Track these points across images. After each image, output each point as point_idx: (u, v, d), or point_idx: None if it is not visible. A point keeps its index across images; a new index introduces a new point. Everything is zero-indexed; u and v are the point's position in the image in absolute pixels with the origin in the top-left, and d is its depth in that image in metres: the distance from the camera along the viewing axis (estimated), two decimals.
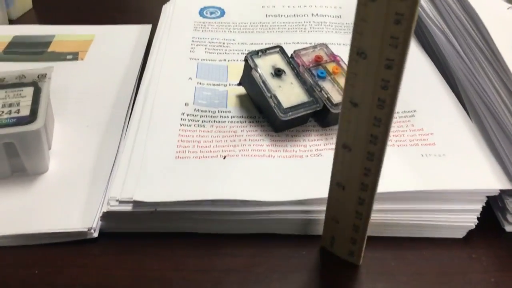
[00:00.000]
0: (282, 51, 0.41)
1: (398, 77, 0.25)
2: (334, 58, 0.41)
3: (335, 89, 0.39)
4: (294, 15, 0.55)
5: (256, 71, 0.39)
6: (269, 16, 0.55)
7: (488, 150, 0.37)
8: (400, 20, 0.23)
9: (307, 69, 0.40)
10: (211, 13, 0.55)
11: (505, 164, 0.35)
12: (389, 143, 0.38)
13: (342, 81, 0.40)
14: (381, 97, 0.25)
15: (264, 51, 0.41)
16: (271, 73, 0.40)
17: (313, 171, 0.36)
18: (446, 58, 0.46)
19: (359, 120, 0.27)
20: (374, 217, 0.34)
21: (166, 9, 0.56)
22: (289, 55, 0.41)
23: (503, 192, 0.35)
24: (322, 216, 0.33)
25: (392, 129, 0.40)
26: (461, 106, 0.42)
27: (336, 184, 0.30)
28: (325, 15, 0.55)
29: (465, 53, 0.42)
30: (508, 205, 0.35)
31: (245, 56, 0.40)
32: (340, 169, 0.29)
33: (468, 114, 0.41)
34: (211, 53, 0.48)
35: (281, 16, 0.55)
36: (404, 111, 0.42)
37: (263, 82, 0.39)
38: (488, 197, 0.35)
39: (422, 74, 0.46)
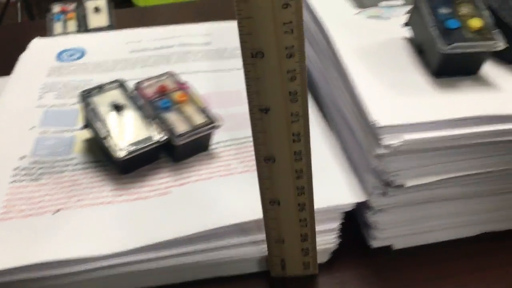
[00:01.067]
0: (122, 85, 0.38)
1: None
2: (181, 86, 0.38)
3: (181, 119, 0.36)
4: (160, 47, 0.52)
5: (92, 110, 0.36)
6: (133, 51, 0.52)
7: (347, 165, 0.34)
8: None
9: (150, 101, 0.37)
10: (70, 55, 0.51)
11: (361, 177, 0.33)
12: (243, 169, 0.35)
13: (189, 109, 0.37)
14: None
15: (101, 88, 0.37)
16: (109, 110, 0.36)
17: (158, 212, 0.32)
18: (310, 70, 0.44)
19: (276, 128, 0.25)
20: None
21: (22, 58, 0.52)
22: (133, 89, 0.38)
23: (363, 206, 0.32)
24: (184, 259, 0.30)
25: (249, 153, 0.37)
26: (323, 122, 0.39)
27: (270, 203, 0.28)
28: (192, 44, 0.52)
29: (321, 64, 0.40)
30: (367, 219, 0.32)
31: (80, 95, 0.36)
32: (270, 186, 0.27)
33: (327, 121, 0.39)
34: (62, 98, 0.44)
35: (147, 50, 0.52)
36: None
37: (100, 121, 0.35)
38: (353, 214, 0.32)
39: None
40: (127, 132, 0.35)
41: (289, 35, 0.22)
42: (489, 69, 0.33)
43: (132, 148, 0.34)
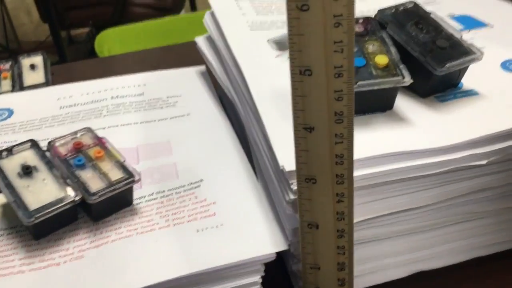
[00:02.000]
0: (34, 145, 0.36)
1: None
2: (99, 142, 0.37)
3: (96, 175, 0.35)
4: (92, 101, 0.51)
5: (0, 174, 0.34)
6: (63, 107, 0.50)
7: (270, 212, 0.33)
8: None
9: (63, 160, 0.35)
10: None
11: (283, 225, 0.31)
12: (165, 223, 0.34)
13: (105, 165, 0.35)
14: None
15: (10, 150, 0.35)
16: (19, 173, 0.34)
17: (69, 279, 0.30)
18: (239, 115, 0.43)
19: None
20: None
21: None
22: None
23: (288, 255, 0.31)
24: None
25: (173, 205, 0.35)
26: (251, 169, 0.38)
27: (308, 225, 0.27)
28: (125, 96, 0.51)
29: (242, 108, 0.39)
30: (293, 267, 0.31)
31: None
32: (309, 208, 0.26)
33: (257, 175, 0.37)
34: None
35: (77, 105, 0.50)
36: (191, 183, 0.37)
37: (6, 185, 0.33)
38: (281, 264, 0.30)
39: (216, 142, 0.42)
40: (39, 193, 0.33)
41: (338, 55, 0.22)
42: (403, 103, 0.33)
43: (43, 211, 0.32)
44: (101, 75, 0.55)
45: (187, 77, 0.54)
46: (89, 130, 0.38)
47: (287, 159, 0.28)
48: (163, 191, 0.37)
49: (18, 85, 0.59)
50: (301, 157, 0.25)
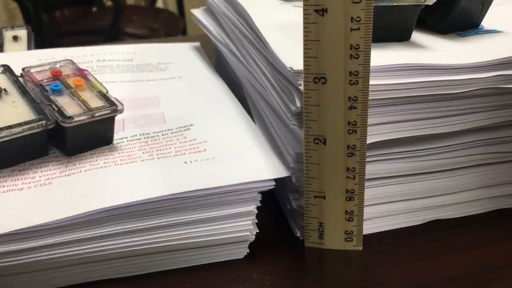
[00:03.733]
0: (8, 70, 0.32)
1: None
2: (80, 73, 0.33)
3: (74, 102, 0.31)
4: (77, 63, 0.47)
5: None
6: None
7: (269, 148, 0.29)
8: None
9: (39, 85, 0.31)
10: None
11: (284, 156, 0.27)
12: (148, 157, 0.30)
13: (85, 94, 0.31)
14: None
15: None
16: None
17: (32, 202, 0.26)
18: (235, 72, 0.40)
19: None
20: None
21: None
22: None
23: (288, 190, 0.27)
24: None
25: (158, 144, 0.31)
26: (246, 113, 0.34)
27: (314, 140, 0.24)
28: (112, 60, 0.48)
29: (241, 54, 0.36)
30: (294, 203, 0.27)
31: None
32: (317, 116, 0.24)
33: (253, 119, 0.34)
34: None
35: None
36: (179, 127, 0.33)
37: None
38: (279, 205, 0.26)
39: (209, 96, 0.39)
40: (7, 115, 0.29)
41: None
42: (421, 37, 0.30)
43: (7, 131, 0.28)
44: None
45: (180, 49, 0.51)
46: (70, 62, 0.34)
47: (294, 62, 0.25)
48: (148, 133, 0.33)
49: None
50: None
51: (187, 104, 0.37)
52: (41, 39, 1.72)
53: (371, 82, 0.23)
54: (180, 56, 0.49)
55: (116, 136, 0.32)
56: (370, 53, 0.21)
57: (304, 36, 0.21)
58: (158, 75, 0.44)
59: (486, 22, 0.31)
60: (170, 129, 0.33)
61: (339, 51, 0.21)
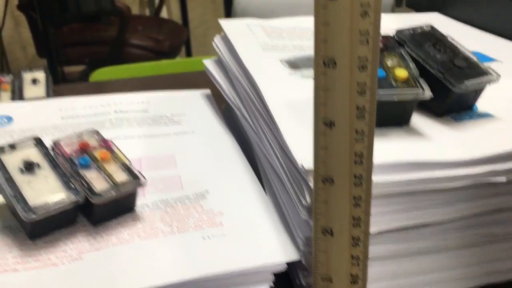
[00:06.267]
0: (39, 143, 0.35)
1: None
2: (105, 144, 0.36)
3: (101, 176, 0.33)
4: (95, 114, 0.50)
5: (0, 169, 0.32)
6: (65, 118, 0.49)
7: (280, 223, 0.32)
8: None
9: (68, 158, 0.34)
10: None
11: (294, 235, 0.30)
12: (169, 230, 0.32)
13: (111, 167, 0.34)
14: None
15: (13, 146, 0.34)
16: (20, 168, 0.33)
17: (67, 280, 0.28)
18: (246, 132, 0.43)
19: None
20: None
21: None
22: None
23: (298, 267, 0.30)
24: None
25: (178, 214, 0.34)
26: (256, 180, 0.37)
27: (322, 231, 0.25)
28: (129, 111, 0.50)
29: (253, 124, 0.39)
30: (303, 280, 0.29)
31: None
32: (325, 211, 0.25)
33: (264, 189, 0.36)
34: None
35: (79, 116, 0.50)
36: (195, 193, 0.36)
37: (7, 180, 0.32)
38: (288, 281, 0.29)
39: (222, 156, 0.41)
40: (39, 192, 0.32)
41: (364, 46, 0.22)
42: (419, 120, 0.33)
43: (43, 209, 0.31)
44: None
45: (192, 98, 0.53)
46: (95, 132, 0.37)
47: (305, 158, 0.27)
48: (167, 200, 0.36)
49: (17, 97, 0.58)
50: (320, 156, 0.25)
51: (201, 165, 0.40)
52: (47, 50, 1.76)
53: (377, 179, 0.26)
54: (192, 106, 0.51)
55: (138, 201, 0.35)
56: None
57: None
58: (172, 129, 0.47)
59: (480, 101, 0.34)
60: (187, 196, 0.36)
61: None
